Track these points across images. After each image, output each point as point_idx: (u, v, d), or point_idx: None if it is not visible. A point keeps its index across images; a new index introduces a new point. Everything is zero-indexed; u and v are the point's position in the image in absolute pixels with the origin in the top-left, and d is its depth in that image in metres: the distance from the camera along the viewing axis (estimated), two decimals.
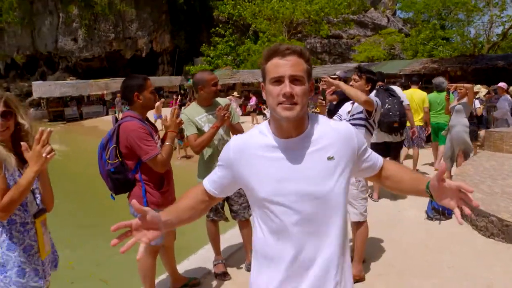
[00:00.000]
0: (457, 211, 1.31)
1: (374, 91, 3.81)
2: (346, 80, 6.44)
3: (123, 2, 33.64)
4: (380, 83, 5.36)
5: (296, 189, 1.36)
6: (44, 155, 1.89)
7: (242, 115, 17.57)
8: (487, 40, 31.85)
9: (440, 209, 4.75)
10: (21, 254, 1.97)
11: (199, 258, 4.07)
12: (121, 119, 2.91)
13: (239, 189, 1.60)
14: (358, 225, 3.52)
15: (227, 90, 23.00)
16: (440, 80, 7.48)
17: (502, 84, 8.79)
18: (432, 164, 7.83)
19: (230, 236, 4.47)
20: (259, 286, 1.47)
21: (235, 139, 1.50)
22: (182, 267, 3.77)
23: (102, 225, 5.84)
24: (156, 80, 29.09)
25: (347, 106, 3.76)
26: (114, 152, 2.79)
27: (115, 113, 24.46)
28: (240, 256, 3.98)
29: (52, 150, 1.91)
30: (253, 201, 1.47)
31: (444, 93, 7.10)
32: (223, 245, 3.90)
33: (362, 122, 3.44)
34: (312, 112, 1.72)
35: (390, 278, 3.51)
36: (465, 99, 6.11)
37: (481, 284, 3.33)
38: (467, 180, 5.23)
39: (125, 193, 2.90)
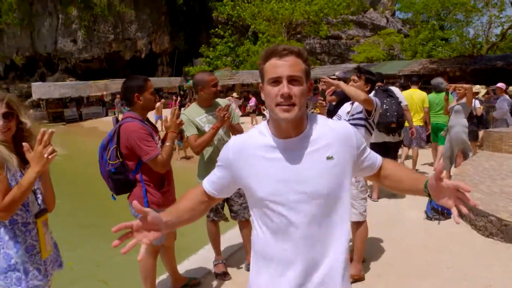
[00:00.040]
0: (454, 211, 1.32)
1: (373, 92, 3.82)
2: (345, 81, 6.46)
3: (122, 3, 33.69)
4: (379, 83, 5.38)
5: (295, 189, 1.36)
6: (45, 155, 1.90)
7: (241, 116, 17.56)
8: (486, 40, 31.87)
9: (440, 209, 4.77)
10: (23, 254, 1.98)
11: (199, 258, 4.08)
12: (122, 120, 2.93)
13: (238, 189, 1.60)
14: (358, 225, 3.53)
15: (226, 91, 23.01)
16: (438, 80, 7.51)
17: (500, 85, 8.81)
18: (431, 164, 7.85)
19: (230, 236, 4.48)
20: (259, 287, 1.47)
21: (234, 140, 1.50)
22: (182, 267, 3.78)
23: (103, 225, 5.86)
24: (155, 81, 29.12)
25: (346, 107, 3.77)
26: (114, 153, 2.80)
27: (114, 114, 24.51)
28: (240, 256, 3.99)
29: (54, 150, 1.92)
30: (253, 201, 1.47)
31: (443, 94, 7.12)
32: (223, 245, 3.91)
33: (362, 122, 3.45)
34: (312, 112, 1.72)
35: (390, 278, 3.52)
36: (464, 100, 6.13)
37: (480, 283, 3.34)
38: (467, 180, 5.25)
39: (125, 193, 2.91)
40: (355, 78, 3.63)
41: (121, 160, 2.81)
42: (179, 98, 24.49)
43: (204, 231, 3.71)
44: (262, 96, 1.43)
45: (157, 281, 3.25)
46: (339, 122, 1.52)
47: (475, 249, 4.04)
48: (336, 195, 1.39)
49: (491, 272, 3.51)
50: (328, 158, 1.38)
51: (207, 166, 3.33)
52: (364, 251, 3.61)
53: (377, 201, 5.77)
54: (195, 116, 3.37)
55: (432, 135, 7.57)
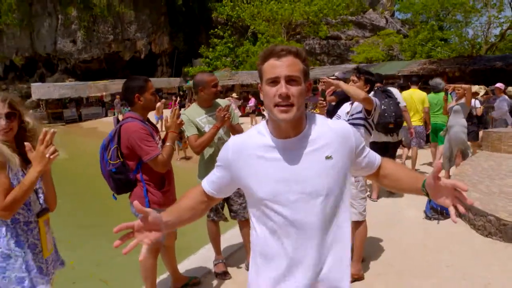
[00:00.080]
0: (452, 210, 1.33)
1: (372, 92, 3.84)
2: (344, 81, 6.48)
3: (122, 4, 33.68)
4: (378, 84, 5.40)
5: (294, 189, 1.36)
6: (47, 155, 1.92)
7: (240, 117, 17.54)
8: (485, 41, 31.92)
9: (439, 209, 4.78)
10: (26, 253, 2.00)
11: (199, 258, 4.10)
12: (123, 120, 2.94)
13: (238, 189, 1.60)
14: (357, 224, 3.54)
15: (226, 92, 23.03)
16: (437, 81, 7.54)
17: (499, 85, 8.83)
18: (430, 164, 7.87)
19: (230, 236, 4.49)
20: (259, 287, 1.47)
21: (233, 140, 1.50)
22: (182, 267, 3.79)
23: (103, 225, 5.87)
24: (155, 82, 28.90)
25: (346, 107, 3.79)
26: (115, 153, 2.81)
27: (114, 114, 24.52)
28: (240, 255, 4.01)
29: (55, 150, 1.94)
30: (252, 201, 1.47)
31: (441, 94, 7.15)
32: (223, 244, 3.92)
33: (361, 121, 3.47)
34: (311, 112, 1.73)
35: (389, 277, 3.53)
36: (463, 100, 6.15)
37: (479, 283, 3.35)
38: (466, 180, 5.27)
39: (126, 193, 2.92)
40: (355, 78, 3.65)
41: (122, 160, 2.82)
42: (178, 99, 24.49)
43: (205, 231, 3.72)
44: (261, 96, 1.43)
45: (157, 280, 3.26)
46: (338, 121, 1.53)
47: (474, 248, 4.06)
48: (335, 195, 1.39)
49: (490, 272, 3.52)
50: (327, 157, 1.38)
51: (208, 166, 3.35)
52: (364, 251, 3.63)
53: (376, 201, 5.78)
54: (195, 116, 3.39)
55: (432, 135, 7.60)
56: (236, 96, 18.26)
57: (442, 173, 6.23)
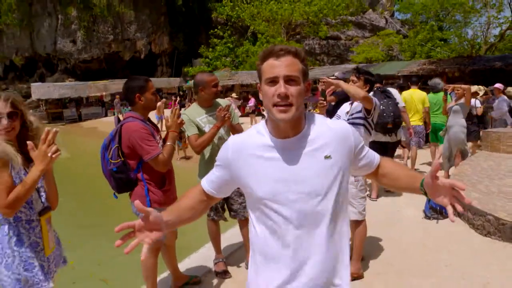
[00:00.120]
0: (449, 209, 1.33)
1: (371, 93, 3.85)
2: (344, 81, 6.49)
3: (121, 4, 33.68)
4: (378, 85, 5.42)
5: (294, 189, 1.37)
6: (49, 154, 1.93)
7: (240, 117, 17.54)
8: (485, 41, 31.95)
9: (438, 208, 4.80)
10: (28, 250, 2.02)
11: (200, 257, 4.11)
12: (123, 119, 2.96)
13: (238, 189, 1.60)
14: (357, 224, 3.56)
15: (225, 92, 23.04)
16: (436, 81, 7.56)
17: (498, 85, 8.85)
18: (430, 164, 7.88)
19: (231, 235, 4.51)
20: (258, 286, 1.47)
21: (233, 139, 1.50)
22: (183, 266, 3.81)
23: (103, 225, 5.88)
24: (155, 82, 28.82)
25: (345, 107, 3.80)
26: (116, 152, 2.83)
27: (114, 114, 24.52)
28: (240, 254, 4.02)
29: (57, 149, 1.96)
30: (251, 200, 1.47)
31: (440, 94, 7.17)
32: (223, 244, 3.94)
33: (361, 121, 3.48)
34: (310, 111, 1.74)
35: (389, 277, 3.55)
36: (462, 100, 6.17)
37: (478, 282, 3.36)
38: (465, 179, 5.28)
39: (127, 192, 2.94)
40: (354, 78, 3.66)
41: (122, 159, 2.84)
42: (178, 99, 24.50)
43: (205, 230, 3.74)
44: (260, 96, 1.43)
45: (158, 279, 3.28)
46: (337, 121, 1.53)
47: (473, 248, 4.07)
48: (334, 194, 1.39)
49: (489, 271, 3.54)
50: (326, 157, 1.39)
51: (208, 165, 3.36)
52: (363, 250, 3.64)
53: (376, 200, 5.80)
54: (196, 116, 3.40)
55: (431, 134, 7.63)
56: (235, 96, 18.25)
57: (442, 173, 6.28)
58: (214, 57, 33.04)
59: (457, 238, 4.30)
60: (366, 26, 37.77)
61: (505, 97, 8.73)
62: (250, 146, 1.43)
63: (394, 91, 5.90)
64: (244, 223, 3.63)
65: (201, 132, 3.36)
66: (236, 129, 3.47)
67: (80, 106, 30.75)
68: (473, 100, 7.18)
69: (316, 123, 1.44)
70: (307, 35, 32.90)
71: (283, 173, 1.37)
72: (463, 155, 6.41)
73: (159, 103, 3.07)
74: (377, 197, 5.88)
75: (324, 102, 4.12)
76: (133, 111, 2.96)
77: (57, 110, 30.23)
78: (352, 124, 3.37)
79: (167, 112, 3.49)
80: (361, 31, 37.28)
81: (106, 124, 23.35)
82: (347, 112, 3.70)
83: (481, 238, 4.30)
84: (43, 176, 2.08)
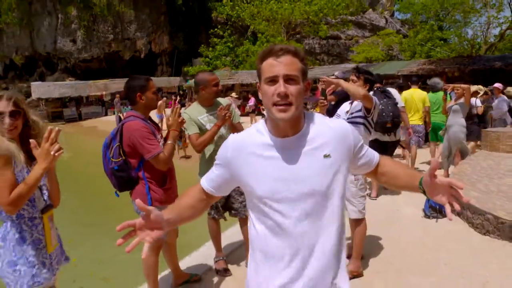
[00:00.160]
0: (447, 207, 1.34)
1: (371, 92, 3.87)
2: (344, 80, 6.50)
3: (121, 3, 33.66)
4: (378, 84, 5.43)
5: (293, 188, 1.37)
6: (52, 153, 1.95)
7: (240, 116, 17.53)
8: (485, 41, 31.96)
9: (437, 207, 4.82)
10: (30, 248, 2.04)
11: (200, 255, 4.13)
12: (124, 118, 2.97)
13: (239, 187, 1.60)
14: (357, 222, 3.57)
15: (225, 91, 23.03)
16: (435, 80, 7.58)
17: (497, 85, 8.87)
18: (429, 163, 7.90)
19: (231, 233, 4.52)
20: (259, 284, 1.48)
21: (232, 138, 1.50)
22: (184, 264, 3.83)
23: (104, 224, 5.90)
24: (155, 81, 28.78)
25: (345, 106, 3.81)
26: (117, 151, 2.85)
27: (114, 113, 24.52)
28: (240, 253, 4.04)
29: (60, 148, 1.98)
30: (251, 199, 1.48)
31: (440, 93, 7.18)
32: (224, 242, 3.96)
33: (361, 120, 3.48)
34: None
35: (389, 275, 3.56)
36: (462, 99, 6.19)
37: (477, 281, 3.37)
38: (465, 179, 5.30)
39: (128, 190, 2.95)
40: (354, 78, 3.68)
41: (124, 158, 2.85)
42: (178, 98, 24.50)
43: (205, 229, 3.75)
44: (260, 95, 1.43)
45: (159, 277, 3.29)
46: (336, 120, 1.53)
47: (472, 246, 4.09)
48: (333, 193, 1.40)
49: (488, 270, 3.55)
50: (325, 156, 1.39)
51: (209, 164, 3.35)
52: (363, 248, 3.66)
53: (375, 199, 5.82)
54: (197, 115, 3.42)
55: (431, 133, 7.64)
56: (235, 96, 18.26)
57: (441, 172, 6.30)
58: (214, 56, 33.02)
59: (456, 237, 4.32)
60: (366, 26, 37.78)
61: (505, 97, 8.74)
62: (250, 145, 1.44)
63: (393, 91, 5.92)
64: (244, 222, 3.64)
65: (202, 131, 3.37)
66: (236, 128, 3.48)
67: (80, 105, 30.74)
68: (473, 99, 7.19)
69: (315, 122, 1.45)
70: (307, 35, 32.89)
71: (282, 172, 1.38)
72: (463, 154, 6.43)
73: (160, 102, 3.09)
74: (377, 196, 5.90)
75: (325, 101, 4.13)
76: (134, 110, 2.97)
77: (57, 109, 30.21)
78: (352, 123, 3.38)
79: (168, 111, 3.51)
80: (361, 30, 37.29)
81: (106, 123, 23.36)
82: (347, 112, 3.71)
83: (480, 237, 4.31)
84: (45, 174, 2.10)
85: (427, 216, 4.92)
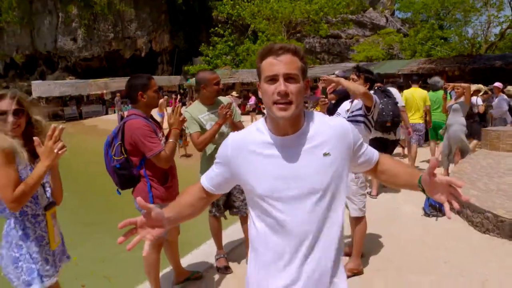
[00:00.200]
0: (446, 206, 1.35)
1: (372, 91, 3.88)
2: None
3: (122, 2, 33.63)
4: (378, 84, 5.45)
5: (293, 186, 1.38)
6: (55, 150, 1.97)
7: (241, 115, 17.54)
8: (485, 40, 31.96)
9: (437, 205, 4.84)
10: (33, 244, 2.06)
11: (201, 253, 4.15)
12: (126, 117, 2.99)
13: (240, 186, 1.60)
14: (357, 220, 3.59)
15: (226, 90, 23.03)
16: (435, 79, 7.59)
17: (497, 84, 8.88)
18: (429, 161, 7.90)
19: (232, 231, 4.54)
20: (258, 283, 1.49)
21: (232, 136, 1.50)
22: (185, 261, 3.85)
23: (105, 222, 5.92)
24: (155, 80, 29.00)
25: (346, 105, 3.82)
26: (119, 149, 2.86)
27: (114, 112, 24.53)
28: (241, 250, 4.06)
29: (63, 146, 2.00)
30: (251, 197, 1.48)
31: (440, 92, 7.19)
32: (224, 240, 3.98)
33: (361, 118, 3.49)
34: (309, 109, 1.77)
35: (389, 273, 3.57)
36: (462, 98, 6.20)
37: (476, 279, 3.38)
38: (464, 177, 5.31)
39: (130, 188, 2.97)
40: (354, 77, 3.69)
41: (125, 156, 2.87)
42: (179, 97, 24.51)
43: (206, 226, 3.77)
44: (260, 94, 1.43)
45: (160, 274, 3.31)
46: (336, 118, 1.54)
47: (472, 245, 4.10)
48: (333, 191, 1.41)
49: (488, 268, 3.56)
50: (325, 154, 1.40)
51: (210, 162, 3.33)
52: (363, 246, 3.67)
53: (376, 197, 5.84)
54: (198, 113, 3.43)
55: (431, 132, 7.65)
56: (236, 95, 18.25)
57: (441, 171, 6.31)
58: (214, 55, 33.01)
59: (456, 235, 4.33)
60: (366, 25, 37.76)
61: (505, 96, 8.75)
62: (250, 143, 1.44)
63: (394, 91, 5.93)
64: (245, 220, 3.66)
65: (203, 129, 3.39)
66: (237, 127, 3.50)
67: (81, 104, 30.74)
68: (474, 98, 7.20)
69: (315, 120, 1.45)
70: (307, 34, 32.89)
71: (282, 170, 1.38)
72: (463, 153, 6.45)
73: (161, 101, 3.11)
74: (377, 194, 5.91)
75: (326, 100, 4.15)
76: (136, 109, 2.99)
77: (57, 108, 30.22)
78: (353, 121, 3.39)
79: (169, 110, 3.52)
80: (361, 29, 37.28)
81: (107, 122, 23.38)
82: (347, 110, 3.72)
83: (480, 235, 4.33)
84: (48, 172, 2.12)
85: (427, 214, 4.94)
